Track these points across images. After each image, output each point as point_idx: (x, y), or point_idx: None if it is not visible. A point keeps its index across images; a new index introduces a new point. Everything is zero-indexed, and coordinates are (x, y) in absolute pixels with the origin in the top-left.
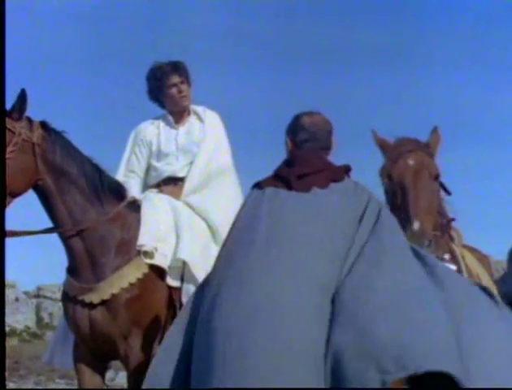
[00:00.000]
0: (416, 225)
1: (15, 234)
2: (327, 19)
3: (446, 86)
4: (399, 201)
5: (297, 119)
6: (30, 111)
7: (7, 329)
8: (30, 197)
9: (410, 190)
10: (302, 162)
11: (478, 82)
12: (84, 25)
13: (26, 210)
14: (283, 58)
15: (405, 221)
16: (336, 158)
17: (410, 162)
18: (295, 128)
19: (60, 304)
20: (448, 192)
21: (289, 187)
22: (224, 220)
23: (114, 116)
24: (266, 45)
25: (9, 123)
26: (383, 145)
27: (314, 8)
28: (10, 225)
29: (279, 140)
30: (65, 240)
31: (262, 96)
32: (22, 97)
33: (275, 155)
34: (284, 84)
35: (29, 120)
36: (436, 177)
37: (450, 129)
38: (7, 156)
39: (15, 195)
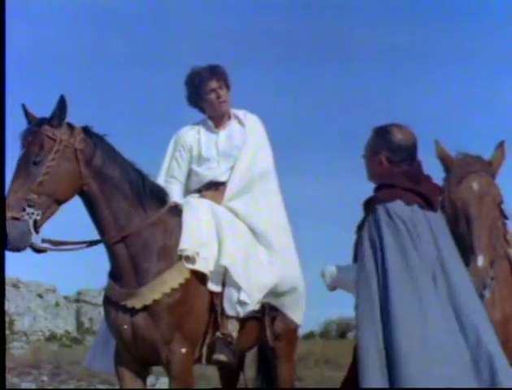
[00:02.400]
0: (480, 261)
1: (62, 243)
2: (333, 16)
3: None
4: (461, 229)
5: (390, 135)
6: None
7: (48, 334)
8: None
9: (475, 220)
10: (429, 182)
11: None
12: (88, 26)
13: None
14: (289, 56)
15: (466, 250)
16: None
17: (475, 186)
18: (391, 147)
19: (100, 309)
20: (506, 217)
21: (429, 206)
22: (268, 223)
23: (115, 118)
24: (275, 42)
25: (49, 130)
26: (445, 160)
27: (322, 4)
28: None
29: (291, 138)
30: (109, 246)
31: (269, 95)
32: (61, 103)
33: (284, 153)
34: (291, 82)
35: (70, 126)
36: (499, 203)
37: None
38: (49, 164)
39: (60, 202)
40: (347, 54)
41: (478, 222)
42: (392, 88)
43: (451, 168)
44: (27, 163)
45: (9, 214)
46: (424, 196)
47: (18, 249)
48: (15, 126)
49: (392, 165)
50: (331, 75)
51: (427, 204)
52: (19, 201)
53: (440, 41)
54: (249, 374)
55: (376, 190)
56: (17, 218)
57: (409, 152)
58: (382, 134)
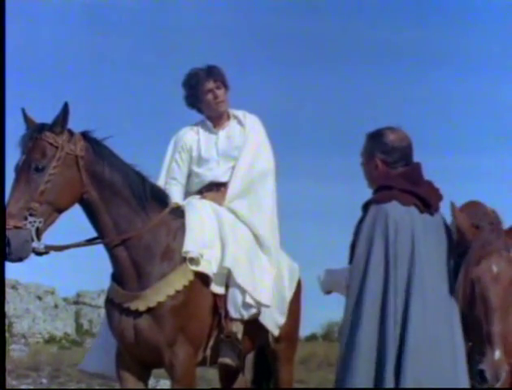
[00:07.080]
0: (498, 355)
1: (61, 248)
2: (329, 16)
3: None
4: (477, 311)
5: (382, 138)
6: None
7: (47, 336)
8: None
9: (494, 310)
10: (428, 185)
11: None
12: (84, 25)
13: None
14: (284, 56)
15: (482, 336)
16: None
17: (495, 269)
18: (384, 149)
19: (100, 311)
20: None
21: (427, 209)
22: (268, 226)
23: (115, 118)
24: (269, 42)
25: (50, 137)
26: (466, 232)
27: (316, 4)
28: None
29: (283, 140)
30: (110, 250)
31: (264, 94)
32: (65, 110)
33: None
34: (286, 83)
35: (70, 132)
36: None
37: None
38: (51, 172)
39: (61, 210)
40: (347, 54)
41: (496, 311)
42: (394, 89)
43: (470, 242)
44: (27, 170)
45: (11, 223)
46: (422, 198)
47: (19, 259)
48: (14, 128)
49: (388, 167)
50: (331, 75)
51: (425, 206)
52: (21, 210)
53: (442, 41)
54: (247, 376)
55: (375, 193)
56: (19, 227)
57: (403, 153)
58: (375, 137)
